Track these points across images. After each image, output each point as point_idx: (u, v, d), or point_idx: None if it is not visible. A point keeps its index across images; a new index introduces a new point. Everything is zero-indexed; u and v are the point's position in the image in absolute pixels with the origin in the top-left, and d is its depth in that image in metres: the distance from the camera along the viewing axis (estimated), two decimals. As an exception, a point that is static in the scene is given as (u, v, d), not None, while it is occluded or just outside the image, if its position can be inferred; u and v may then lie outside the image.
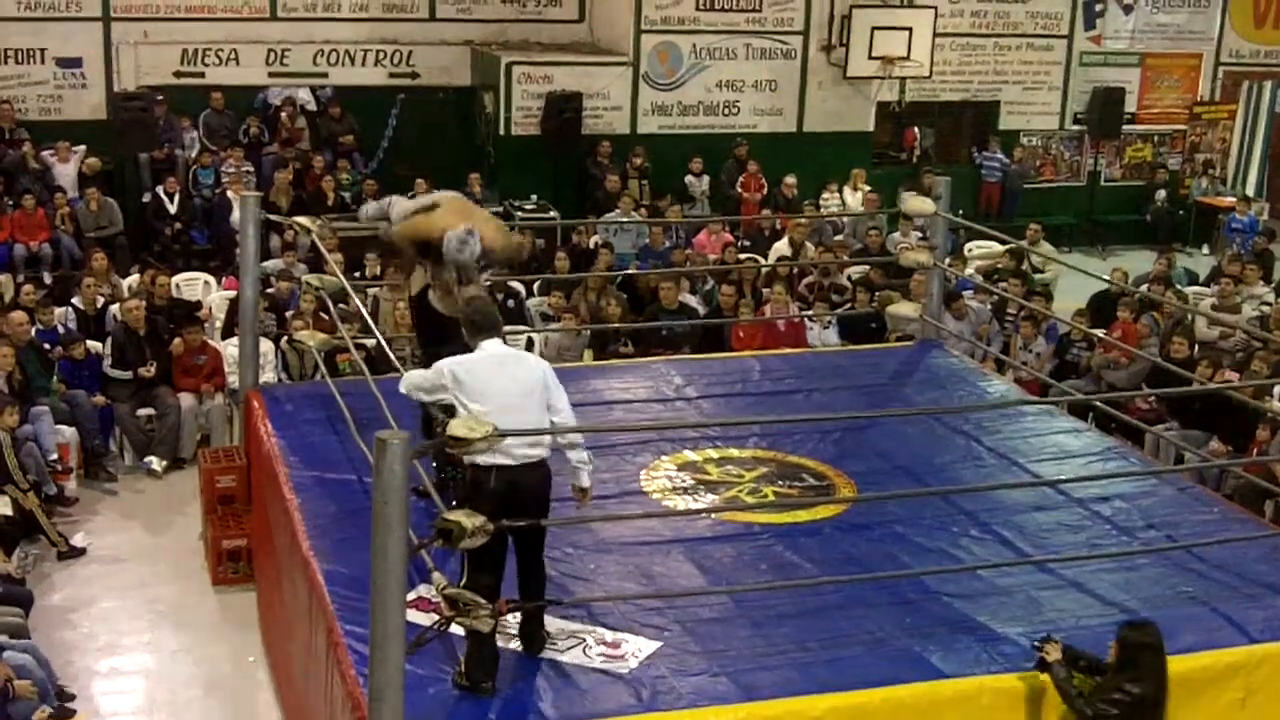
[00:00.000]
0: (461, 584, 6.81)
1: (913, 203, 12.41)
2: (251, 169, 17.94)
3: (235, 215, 15.56)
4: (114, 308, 14.07)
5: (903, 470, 9.57)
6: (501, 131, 19.25)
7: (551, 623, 7.30)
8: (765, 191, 19.31)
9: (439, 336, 8.17)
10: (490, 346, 7.08)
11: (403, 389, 7.23)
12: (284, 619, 9.01)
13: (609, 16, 20.14)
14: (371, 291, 13.92)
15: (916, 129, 21.61)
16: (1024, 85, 22.05)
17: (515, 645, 7.14)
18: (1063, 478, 9.37)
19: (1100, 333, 13.69)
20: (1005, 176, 21.63)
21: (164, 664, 9.79)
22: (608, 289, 14.60)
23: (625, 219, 17.42)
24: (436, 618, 6.90)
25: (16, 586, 9.88)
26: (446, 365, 6.99)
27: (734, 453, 9.71)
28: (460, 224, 8.08)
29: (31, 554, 10.85)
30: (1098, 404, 11.66)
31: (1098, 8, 22.25)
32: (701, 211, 18.69)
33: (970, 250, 17.73)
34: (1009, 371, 12.89)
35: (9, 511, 10.64)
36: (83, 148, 17.61)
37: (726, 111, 20.13)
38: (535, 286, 15.28)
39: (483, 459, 6.71)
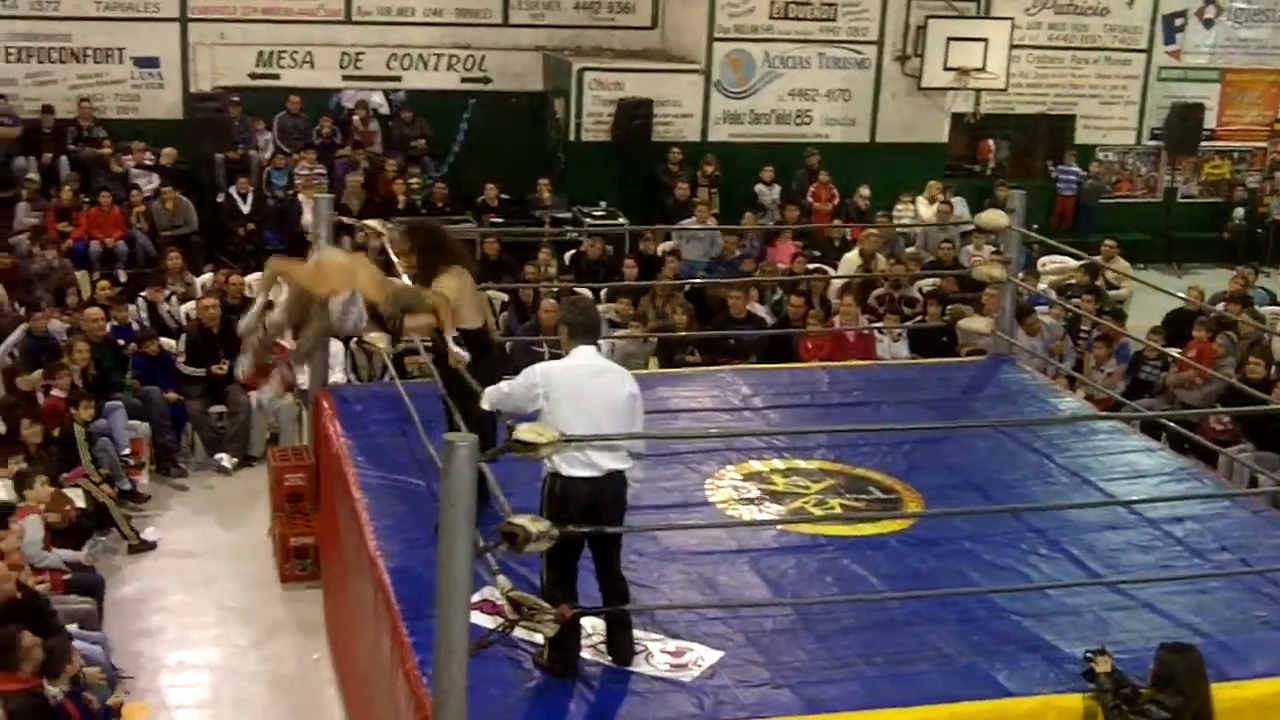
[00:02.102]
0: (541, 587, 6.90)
1: (986, 216, 12.32)
2: (324, 171, 18.07)
3: (307, 217, 15.68)
4: (188, 305, 14.24)
5: (972, 486, 9.48)
6: (572, 137, 19.30)
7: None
8: (837, 202, 19.23)
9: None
10: (585, 354, 7.04)
11: (488, 405, 7.19)
12: (350, 617, 9.05)
13: (681, 24, 20.15)
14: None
15: (991, 141, 21.46)
16: (1101, 99, 21.85)
17: (596, 656, 7.14)
18: (1135, 498, 9.24)
19: (1175, 352, 13.52)
20: (1080, 191, 21.43)
21: (230, 659, 9.87)
22: (675, 297, 14.58)
23: (699, 227, 17.39)
24: (501, 621, 6.90)
25: (87, 573, 9.97)
26: (538, 370, 6.99)
27: (800, 464, 9.66)
28: (341, 286, 7.98)
29: (100, 542, 10.97)
30: (1171, 424, 11.50)
31: (1178, 22, 22.00)
32: (771, 221, 18.63)
33: (1044, 265, 17.57)
34: (1080, 389, 12.77)
35: (83, 504, 10.76)
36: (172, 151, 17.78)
37: (798, 121, 20.08)
38: (603, 293, 15.28)
39: (567, 469, 6.75)
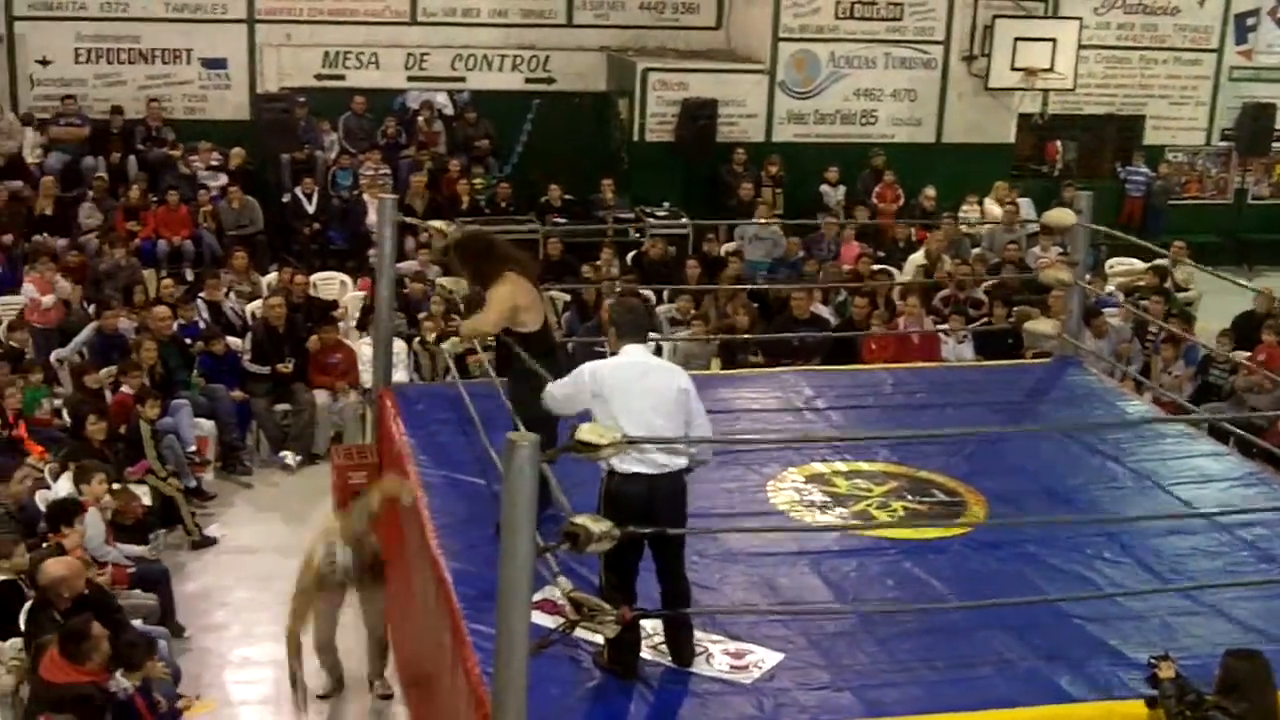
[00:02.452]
0: (600, 588, 6.90)
1: (1053, 215, 12.21)
2: (388, 171, 18.17)
3: (371, 217, 15.77)
4: (254, 304, 14.35)
5: (1036, 489, 9.39)
6: (635, 137, 19.31)
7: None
8: (902, 202, 19.13)
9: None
10: (634, 352, 7.08)
11: (548, 398, 7.20)
12: (411, 616, 9.09)
13: (746, 24, 20.11)
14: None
15: (1059, 142, 21.27)
16: (1170, 100, 21.62)
17: (656, 656, 7.13)
18: (1202, 506, 9.15)
19: (1244, 355, 13.34)
20: (1149, 192, 21.20)
21: (294, 656, 9.92)
22: (738, 297, 14.54)
23: (758, 221, 17.33)
24: (562, 621, 6.91)
25: (151, 565, 10.06)
26: (587, 369, 7.00)
27: (863, 466, 9.61)
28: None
29: (161, 535, 11.05)
30: (1238, 428, 11.35)
31: (1249, 22, 21.72)
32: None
33: (1112, 267, 17.39)
34: (1147, 393, 12.63)
35: (149, 501, 10.86)
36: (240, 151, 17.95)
37: (864, 121, 20.00)
38: (665, 293, 15.27)
39: (621, 466, 6.75)
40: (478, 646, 7.02)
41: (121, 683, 7.84)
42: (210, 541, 11.43)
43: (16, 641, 8.41)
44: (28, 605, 8.67)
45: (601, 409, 6.83)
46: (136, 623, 9.02)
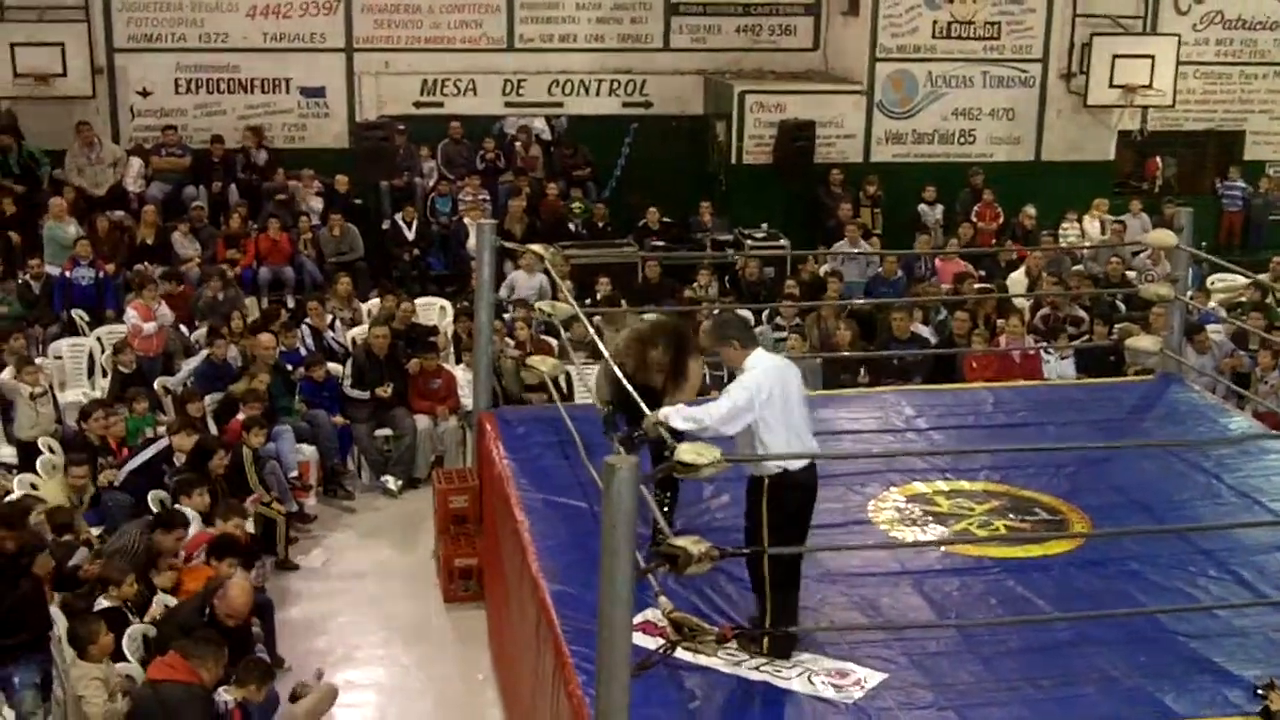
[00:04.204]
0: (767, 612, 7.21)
1: (1155, 235, 12.08)
2: (487, 196, 18.32)
3: (471, 242, 15.89)
4: (355, 330, 14.51)
5: (1139, 506, 9.30)
6: (733, 160, 19.30)
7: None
8: (1001, 221, 18.96)
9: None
10: (764, 356, 7.36)
11: (715, 424, 7.08)
12: (513, 638, 9.13)
13: (843, 45, 20.08)
14: (596, 320, 14.01)
15: (1159, 158, 20.99)
16: (1271, 114, 21.22)
17: (758, 676, 7.14)
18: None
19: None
20: (1248, 207, 20.85)
21: (396, 678, 10.01)
22: (840, 316, 14.49)
23: (853, 249, 17.27)
24: (662, 641, 6.92)
25: (258, 594, 10.20)
26: (753, 379, 7.12)
27: (964, 485, 9.55)
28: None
29: (268, 564, 11.21)
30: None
31: (1352, 34, 21.32)
32: (935, 241, 18.42)
33: (1213, 283, 17.12)
34: (1248, 406, 12.42)
35: (252, 528, 10.99)
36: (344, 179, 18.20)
37: (962, 140, 19.87)
38: (764, 315, 15.25)
39: (791, 464, 7.10)
40: (579, 668, 7.05)
41: (224, 696, 7.97)
42: (293, 567, 11.55)
43: (127, 666, 8.55)
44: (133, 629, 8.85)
45: (769, 414, 7.09)
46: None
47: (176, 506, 10.35)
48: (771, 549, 7.21)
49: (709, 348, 7.78)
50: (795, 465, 7.20)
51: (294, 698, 9.02)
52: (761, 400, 7.09)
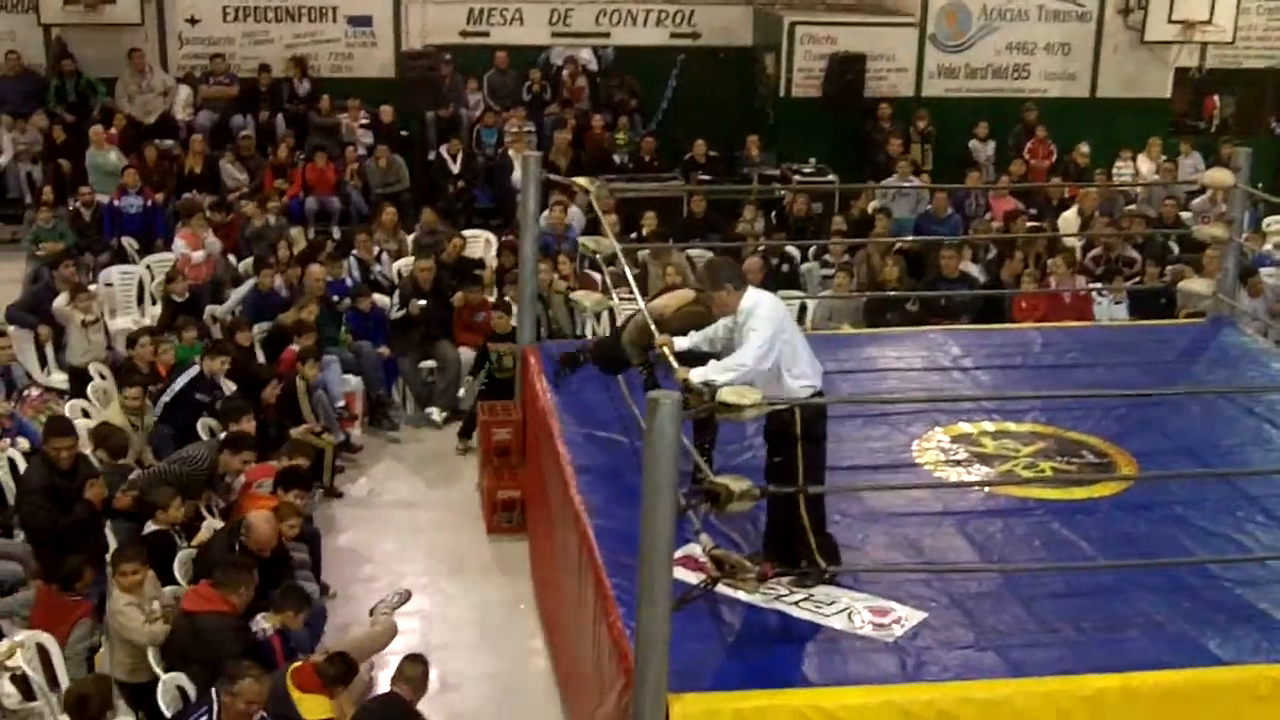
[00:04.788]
0: (814, 546, 7.23)
1: (1212, 175, 11.90)
2: (533, 128, 18.23)
3: (516, 174, 15.84)
4: (400, 262, 14.51)
5: (1187, 451, 9.22)
6: (782, 93, 19.11)
7: (819, 588, 7.32)
8: (1054, 159, 18.73)
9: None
10: (757, 291, 7.39)
11: (753, 365, 7.04)
12: (554, 570, 9.18)
13: (895, -23, 19.83)
14: (642, 255, 14.00)
15: (1216, 96, 20.66)
16: (1334, 52, 20.87)
17: (798, 613, 7.14)
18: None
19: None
20: (1308, 148, 20.52)
21: (440, 607, 10.08)
22: (888, 254, 14.38)
23: (903, 185, 17.11)
24: (703, 577, 6.94)
25: (306, 524, 10.27)
26: (771, 317, 7.14)
27: (1011, 426, 9.49)
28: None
29: (318, 494, 11.29)
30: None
31: None
32: (986, 178, 18.23)
33: (1269, 225, 16.88)
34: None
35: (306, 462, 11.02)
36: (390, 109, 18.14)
37: (1016, 75, 19.60)
38: (810, 251, 15.15)
39: (802, 390, 7.17)
40: (620, 600, 7.07)
41: (261, 624, 8.04)
42: (337, 494, 11.62)
43: (174, 589, 8.65)
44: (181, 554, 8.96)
45: (789, 343, 7.18)
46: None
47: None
48: (812, 489, 7.21)
49: (703, 294, 7.73)
50: (818, 385, 7.32)
51: (371, 614, 9.12)
52: (780, 331, 7.13)
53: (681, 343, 7.70)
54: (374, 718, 7.42)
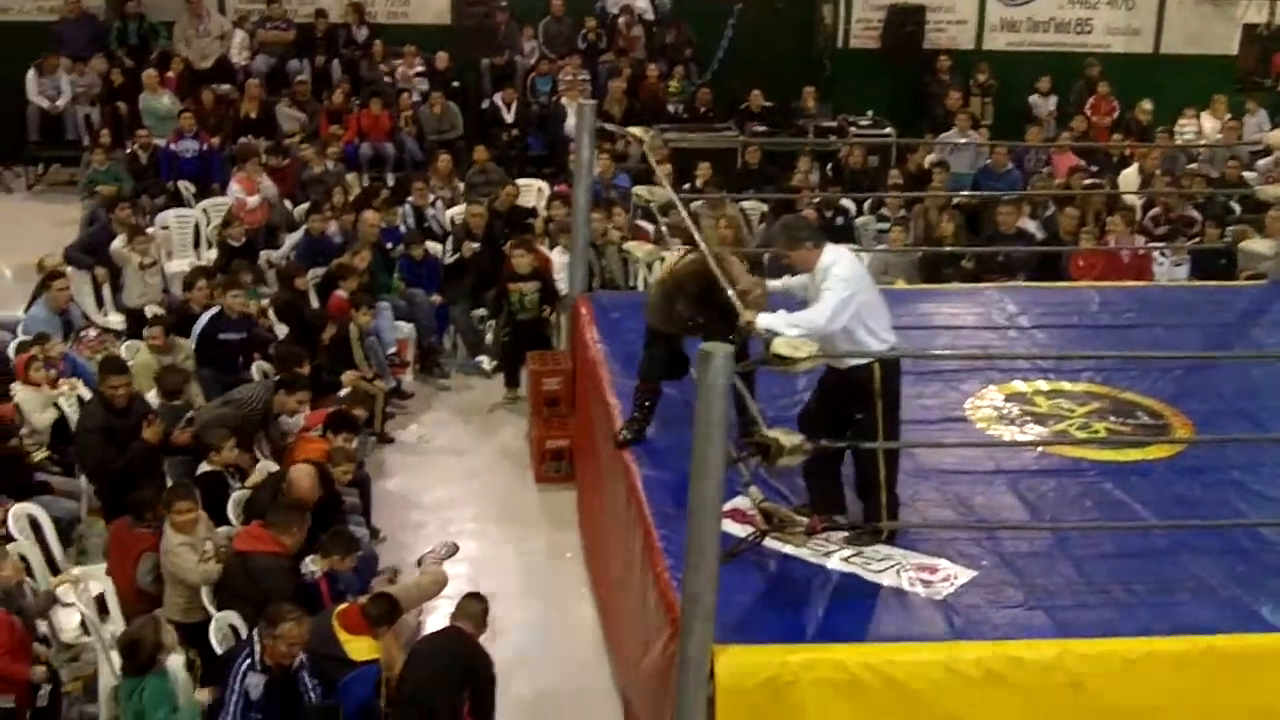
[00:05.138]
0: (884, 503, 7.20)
1: (1277, 134, 11.72)
2: (587, 77, 18.13)
3: (570, 123, 15.78)
4: (454, 210, 14.50)
5: (1245, 414, 9.09)
6: (840, 44, 18.97)
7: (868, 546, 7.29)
8: (1116, 115, 18.48)
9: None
10: (836, 248, 7.29)
11: (825, 324, 6.98)
12: (602, 520, 9.19)
13: (957, -72, 19.56)
14: (694, 206, 13.89)
15: (1285, 54, 20.31)
16: None
17: (846, 568, 7.13)
18: None
19: None
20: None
21: (488, 554, 10.12)
22: (945, 209, 14.24)
23: (961, 139, 16.94)
24: (751, 530, 6.91)
25: (357, 469, 10.32)
26: (847, 272, 7.07)
27: (1065, 386, 9.41)
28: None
29: (371, 441, 11.35)
30: None
31: None
32: (1047, 134, 18.01)
33: (1335, 185, 16.61)
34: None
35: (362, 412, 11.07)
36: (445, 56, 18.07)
37: (1078, 29, 19.35)
38: (866, 205, 15.04)
39: (879, 347, 7.13)
40: (667, 552, 7.07)
41: (310, 566, 8.09)
42: (390, 441, 11.68)
43: (227, 529, 8.72)
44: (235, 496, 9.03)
45: (867, 301, 7.13)
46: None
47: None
48: (886, 444, 7.20)
49: (780, 253, 7.65)
50: (895, 343, 7.28)
51: (419, 564, 9.23)
52: (857, 291, 7.06)
53: (774, 284, 7.70)
54: (436, 649, 7.45)
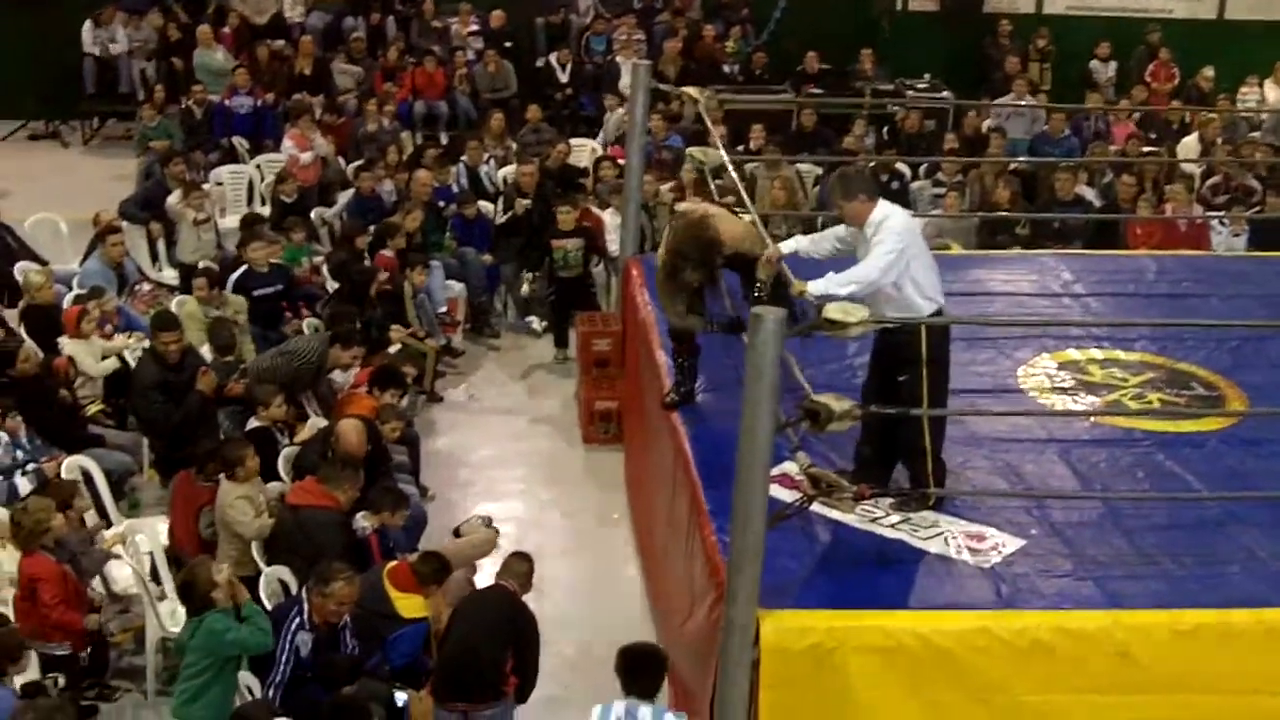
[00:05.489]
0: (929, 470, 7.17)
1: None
2: (642, 36, 18.04)
3: (624, 81, 15.71)
4: (506, 169, 14.49)
5: (1302, 386, 8.97)
6: (898, 6, 18.79)
7: (915, 511, 7.28)
8: (1176, 82, 18.24)
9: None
10: (888, 204, 7.20)
11: (877, 279, 6.94)
12: (649, 482, 9.18)
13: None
14: (750, 167, 13.84)
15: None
16: None
17: (893, 534, 7.11)
18: None
19: None
20: None
21: (534, 513, 10.17)
22: (1001, 175, 14.10)
23: (1019, 104, 16.76)
24: (799, 495, 6.89)
25: (406, 427, 10.36)
26: (899, 227, 7.01)
27: (1120, 355, 9.31)
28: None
29: (420, 399, 11.39)
30: None
31: None
32: (1106, 100, 17.80)
33: (1399, 154, 16.34)
34: None
35: (413, 370, 11.10)
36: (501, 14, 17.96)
37: (1141, -5, 19.10)
38: (921, 169, 14.92)
39: (930, 307, 7.08)
40: (714, 515, 7.05)
41: (361, 522, 8.13)
42: (439, 399, 11.71)
43: (278, 485, 8.77)
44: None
45: (917, 259, 7.06)
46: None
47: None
48: (934, 411, 7.16)
49: (833, 204, 7.57)
50: (943, 305, 7.22)
51: (456, 534, 9.24)
52: (908, 247, 7.02)
53: (785, 245, 7.65)
54: (481, 607, 7.47)
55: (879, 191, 7.36)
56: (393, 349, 10.99)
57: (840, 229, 7.41)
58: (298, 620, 7.14)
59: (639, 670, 6.50)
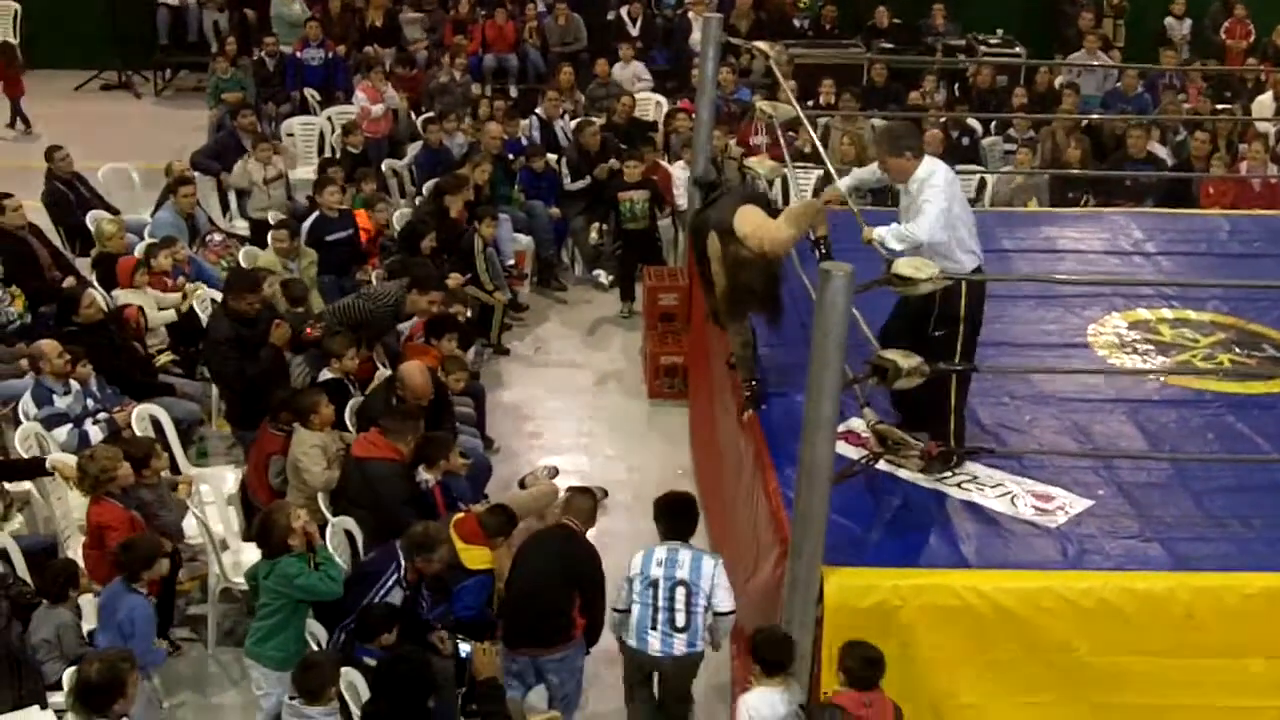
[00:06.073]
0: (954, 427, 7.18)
1: None
2: (716, -11, 17.96)
3: (695, 36, 15.64)
4: (573, 123, 14.47)
5: (1376, 348, 8.87)
6: (971, -39, 18.57)
7: (981, 470, 7.25)
8: (1252, 40, 17.94)
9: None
10: (933, 160, 7.17)
11: (928, 235, 6.89)
12: (714, 437, 9.20)
13: None
14: (823, 121, 13.77)
15: None
16: None
17: (959, 494, 7.11)
18: None
19: None
20: None
21: (598, 466, 10.21)
22: (1073, 132, 13.94)
23: (1092, 60, 16.55)
24: (865, 452, 6.89)
25: (472, 379, 10.42)
26: (943, 182, 6.99)
27: (1191, 315, 9.24)
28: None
29: (486, 350, 11.45)
30: None
31: None
32: (1181, 58, 17.52)
33: None
34: None
35: (470, 314, 11.15)
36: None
37: (1218, -51, 18.75)
38: (993, 125, 14.78)
39: (970, 263, 7.07)
40: (780, 471, 7.07)
41: (424, 474, 8.19)
42: (505, 352, 11.78)
43: (350, 436, 8.85)
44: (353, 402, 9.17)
45: (961, 215, 7.07)
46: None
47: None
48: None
49: (878, 160, 7.52)
50: (981, 263, 7.24)
51: (521, 485, 9.30)
52: (953, 200, 7.01)
53: (844, 181, 7.69)
54: (544, 548, 7.40)
55: (923, 148, 7.29)
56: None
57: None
58: (395, 577, 7.22)
59: (676, 515, 7.11)
